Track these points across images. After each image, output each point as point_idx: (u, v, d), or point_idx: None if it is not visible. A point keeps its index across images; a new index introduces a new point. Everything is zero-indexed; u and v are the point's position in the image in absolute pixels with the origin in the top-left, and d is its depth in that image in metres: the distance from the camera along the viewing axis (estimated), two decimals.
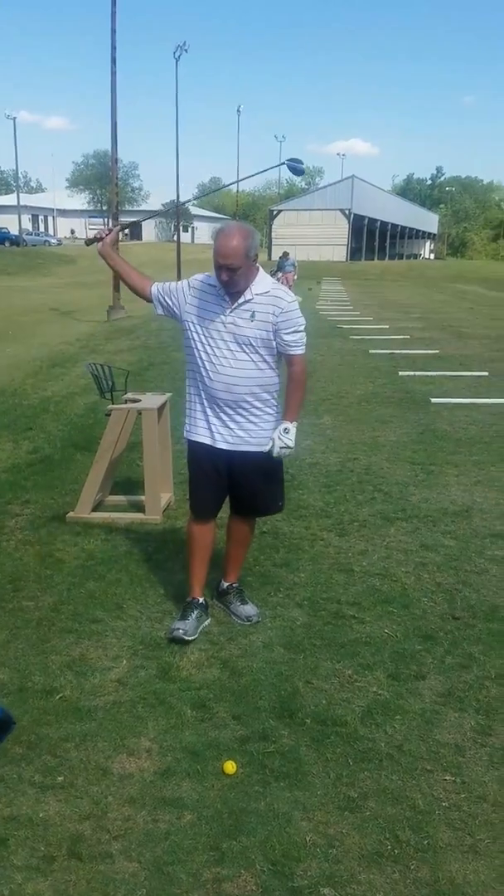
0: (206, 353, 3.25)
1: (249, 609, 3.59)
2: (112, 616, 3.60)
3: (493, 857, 2.22)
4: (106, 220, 68.53)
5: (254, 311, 3.17)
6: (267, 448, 3.31)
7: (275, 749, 2.65)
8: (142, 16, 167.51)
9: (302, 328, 3.28)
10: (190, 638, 3.33)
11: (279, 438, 3.29)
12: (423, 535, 4.65)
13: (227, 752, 2.62)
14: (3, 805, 2.40)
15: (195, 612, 3.46)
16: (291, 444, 3.31)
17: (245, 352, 3.23)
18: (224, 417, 3.31)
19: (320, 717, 2.82)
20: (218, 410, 3.31)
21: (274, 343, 3.24)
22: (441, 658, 3.26)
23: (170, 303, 3.36)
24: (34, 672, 3.11)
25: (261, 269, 3.23)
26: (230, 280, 3.11)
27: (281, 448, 3.29)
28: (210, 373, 3.25)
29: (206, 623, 3.50)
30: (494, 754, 2.66)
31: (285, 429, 3.30)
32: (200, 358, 3.27)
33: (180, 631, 3.33)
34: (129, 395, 5.25)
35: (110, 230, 3.57)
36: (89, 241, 3.69)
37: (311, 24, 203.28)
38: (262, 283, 3.21)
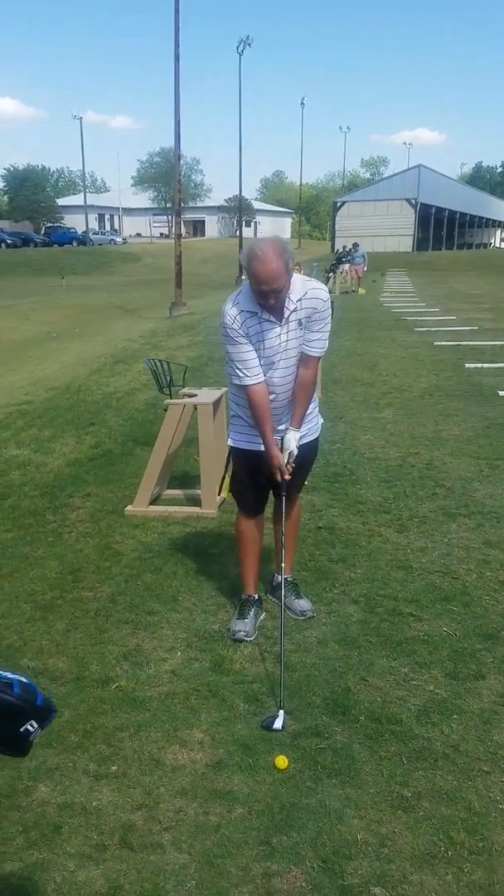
0: (280, 370, 3.17)
1: (304, 603, 3.56)
2: (167, 608, 3.63)
3: None
4: (170, 217, 69.35)
5: (299, 319, 3.09)
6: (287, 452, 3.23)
7: (327, 745, 2.62)
8: (204, 10, 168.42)
9: (328, 329, 3.18)
10: (250, 639, 3.33)
11: (290, 443, 3.21)
12: (487, 531, 4.52)
13: (278, 747, 2.61)
14: (58, 793, 2.44)
15: (252, 610, 3.46)
16: (297, 451, 3.24)
17: (300, 357, 3.20)
18: (278, 418, 3.28)
19: (374, 715, 2.78)
20: (274, 416, 3.26)
21: None
22: (502, 658, 3.16)
23: (259, 362, 3.16)
24: (91, 661, 3.16)
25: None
26: (276, 301, 3.00)
27: (290, 451, 3.21)
28: (274, 387, 3.19)
29: (262, 618, 3.50)
30: None
31: (298, 437, 3.24)
32: (274, 376, 3.18)
33: (242, 633, 3.34)
34: (186, 391, 5.28)
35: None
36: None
37: (373, 12, 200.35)
38: (297, 286, 3.07)
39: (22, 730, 1.20)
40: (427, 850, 2.20)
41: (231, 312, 3.08)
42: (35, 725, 1.22)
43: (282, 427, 3.29)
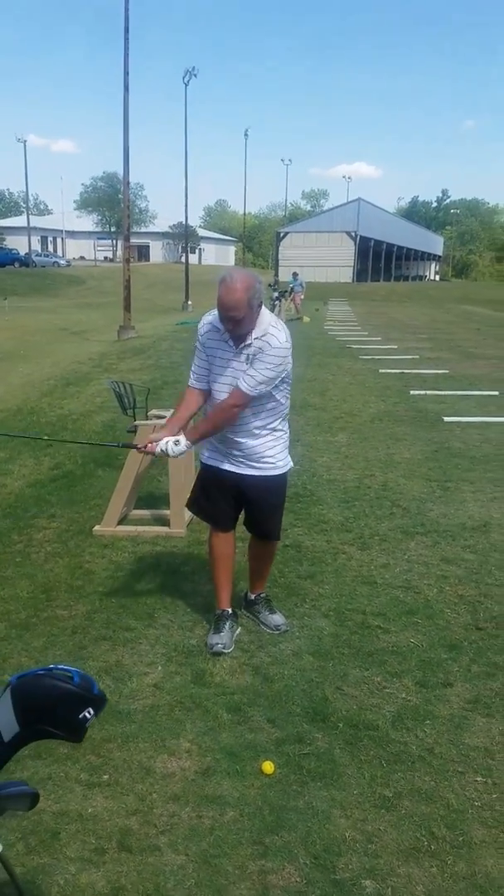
0: (216, 391, 3.36)
1: (278, 618, 3.69)
2: (144, 624, 3.71)
3: None
4: (114, 241, 69.28)
5: (248, 355, 3.23)
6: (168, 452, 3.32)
7: (310, 751, 2.75)
8: (150, 40, 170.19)
9: (268, 378, 3.20)
10: (228, 651, 3.44)
11: (167, 443, 3.29)
12: (443, 549, 4.74)
13: (264, 753, 2.72)
14: (53, 801, 2.49)
15: (227, 624, 3.57)
16: (170, 453, 3.30)
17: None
18: (230, 445, 3.42)
19: (352, 722, 2.92)
20: (225, 439, 3.41)
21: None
22: (467, 667, 3.35)
23: (205, 372, 3.39)
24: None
25: (264, 310, 3.24)
26: (234, 329, 3.19)
27: (162, 449, 3.29)
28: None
29: (238, 632, 3.61)
30: None
31: (176, 441, 3.30)
32: (212, 393, 3.39)
33: (220, 646, 3.44)
34: (154, 412, 5.38)
35: (144, 447, 3.41)
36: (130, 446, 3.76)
37: (316, 50, 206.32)
38: (262, 324, 3.21)
39: (80, 716, 1.30)
40: (411, 845, 2.34)
41: (205, 320, 3.38)
42: (91, 713, 1.32)
43: (237, 453, 3.41)
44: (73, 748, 2.75)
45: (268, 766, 2.63)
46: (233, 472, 3.46)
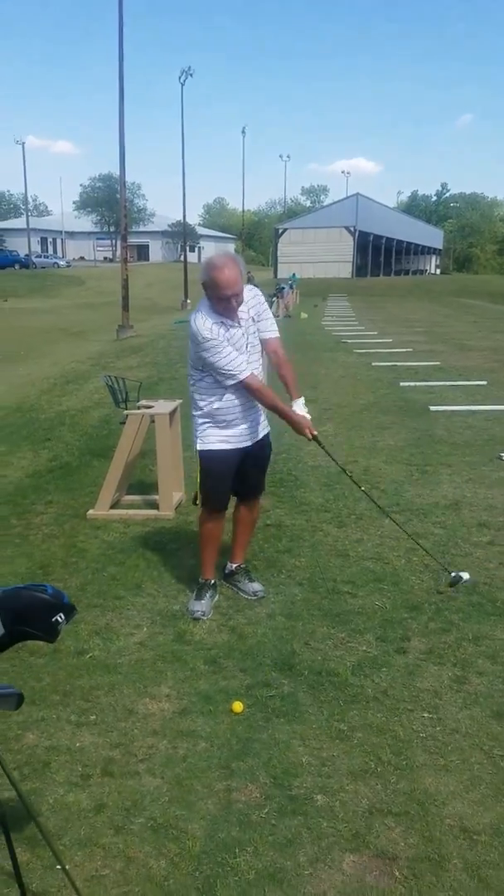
0: (251, 365, 3.62)
1: (256, 585, 4.01)
2: (132, 594, 4.04)
3: (461, 773, 2.63)
4: (114, 241, 69.61)
5: (252, 317, 3.64)
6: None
7: (276, 693, 3.08)
8: (146, 38, 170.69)
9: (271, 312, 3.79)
10: (206, 617, 3.76)
11: (304, 415, 3.67)
12: (415, 524, 5.06)
13: (235, 696, 3.05)
14: (45, 738, 2.83)
15: (209, 593, 3.90)
16: (309, 416, 3.71)
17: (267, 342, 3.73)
18: (253, 415, 3.75)
19: (316, 670, 3.25)
20: (250, 411, 3.73)
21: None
22: (425, 624, 3.67)
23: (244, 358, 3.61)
24: (65, 638, 3.54)
25: None
26: (238, 303, 3.51)
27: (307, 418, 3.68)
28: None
29: (216, 599, 3.93)
30: (468, 698, 3.07)
31: (303, 405, 3.70)
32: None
33: (199, 612, 3.77)
34: (143, 402, 5.71)
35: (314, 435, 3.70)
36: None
37: (314, 45, 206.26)
38: (245, 292, 3.59)
39: (53, 620, 1.62)
40: (361, 768, 2.66)
41: (206, 324, 3.49)
42: (63, 618, 1.64)
43: (259, 428, 3.78)
44: (64, 695, 3.08)
45: (237, 706, 2.96)
46: (240, 448, 3.73)
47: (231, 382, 3.55)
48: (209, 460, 3.76)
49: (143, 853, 2.28)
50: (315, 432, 3.69)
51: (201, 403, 3.70)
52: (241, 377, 3.52)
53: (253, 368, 3.62)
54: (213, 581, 3.98)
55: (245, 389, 3.58)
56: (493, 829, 2.37)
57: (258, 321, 3.66)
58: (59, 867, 2.15)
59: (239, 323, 3.58)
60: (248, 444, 3.78)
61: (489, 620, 3.69)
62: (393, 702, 3.04)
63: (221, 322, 3.53)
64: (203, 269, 3.49)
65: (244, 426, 3.74)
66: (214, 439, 3.72)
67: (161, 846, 2.31)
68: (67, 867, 2.12)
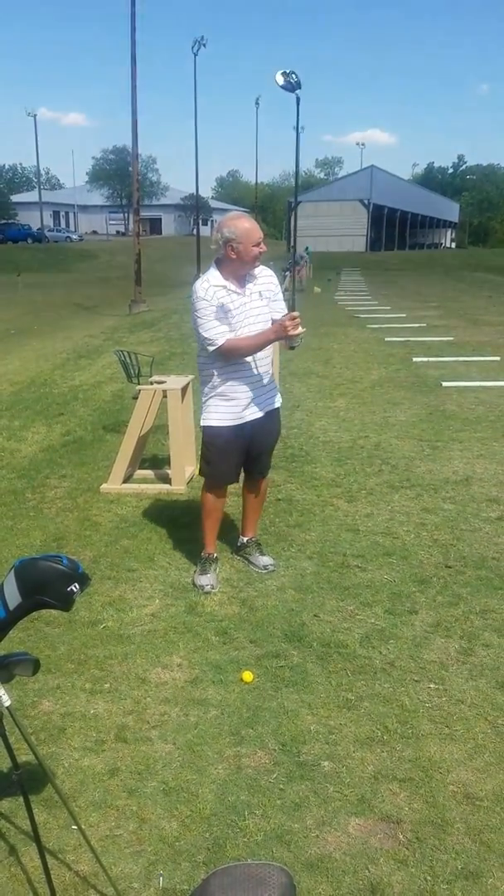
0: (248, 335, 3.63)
1: (266, 559, 4.07)
2: (145, 566, 4.11)
3: (465, 742, 2.69)
4: (126, 214, 69.23)
5: (259, 291, 3.65)
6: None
7: (286, 664, 3.14)
8: (159, 9, 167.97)
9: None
10: (215, 590, 3.82)
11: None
12: (425, 500, 5.09)
13: (245, 666, 3.12)
14: (60, 705, 2.91)
15: (213, 566, 3.96)
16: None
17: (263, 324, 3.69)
18: (262, 387, 3.77)
19: (325, 641, 3.31)
20: (259, 384, 3.75)
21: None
22: (433, 597, 3.72)
23: (226, 326, 3.57)
24: (80, 609, 3.62)
25: None
26: (262, 253, 3.55)
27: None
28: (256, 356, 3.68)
29: (219, 571, 3.99)
30: (474, 669, 3.12)
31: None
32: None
33: (208, 586, 3.83)
34: (155, 378, 5.75)
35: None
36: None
37: (328, 15, 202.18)
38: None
39: (68, 589, 1.67)
40: (367, 736, 2.73)
41: (203, 286, 3.53)
42: (77, 587, 1.69)
43: (264, 387, 3.77)
44: (79, 664, 3.16)
45: (247, 676, 3.03)
46: (247, 422, 3.74)
47: (211, 349, 3.58)
48: (210, 435, 3.81)
49: (155, 815, 2.36)
50: (295, 313, 3.60)
51: (207, 381, 3.75)
52: (219, 343, 3.54)
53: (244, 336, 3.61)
54: (214, 555, 4.03)
55: (227, 354, 3.58)
56: (496, 795, 2.43)
57: (273, 300, 3.71)
58: (74, 827, 2.24)
59: (245, 292, 3.61)
60: (260, 415, 3.77)
61: (497, 594, 3.73)
62: (400, 673, 3.09)
63: (223, 287, 3.55)
64: (220, 227, 3.49)
65: (252, 399, 3.74)
66: (218, 415, 3.74)
67: (172, 808, 2.39)
68: (83, 827, 2.20)
